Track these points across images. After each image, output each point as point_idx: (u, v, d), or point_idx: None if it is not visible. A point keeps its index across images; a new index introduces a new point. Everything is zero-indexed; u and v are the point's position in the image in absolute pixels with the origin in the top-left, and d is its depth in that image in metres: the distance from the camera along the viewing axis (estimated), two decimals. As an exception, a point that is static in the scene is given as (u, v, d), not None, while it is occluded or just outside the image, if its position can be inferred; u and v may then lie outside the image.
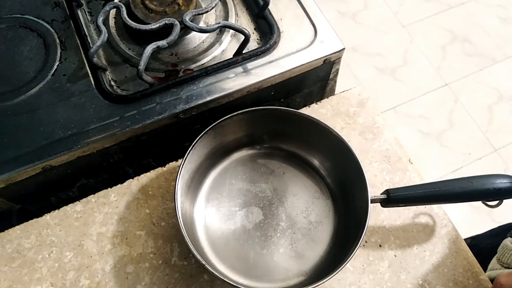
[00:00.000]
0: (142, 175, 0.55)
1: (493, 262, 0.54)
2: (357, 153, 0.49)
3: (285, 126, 0.54)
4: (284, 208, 0.53)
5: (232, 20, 0.61)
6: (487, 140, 1.45)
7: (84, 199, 0.53)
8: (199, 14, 0.55)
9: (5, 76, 0.55)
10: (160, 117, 0.52)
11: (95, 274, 0.49)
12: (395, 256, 0.51)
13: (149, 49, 0.51)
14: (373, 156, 0.58)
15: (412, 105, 1.51)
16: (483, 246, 0.62)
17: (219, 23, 0.54)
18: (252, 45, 0.58)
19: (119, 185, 0.54)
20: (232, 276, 0.49)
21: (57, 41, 0.57)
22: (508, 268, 0.51)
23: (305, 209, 0.53)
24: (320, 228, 0.52)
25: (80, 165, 0.53)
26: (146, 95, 0.53)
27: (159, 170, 0.55)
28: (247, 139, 0.56)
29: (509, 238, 0.54)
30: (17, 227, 0.52)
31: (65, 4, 0.60)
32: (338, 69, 0.62)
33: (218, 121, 0.51)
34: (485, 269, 0.53)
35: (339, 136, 0.50)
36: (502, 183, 0.47)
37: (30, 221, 0.52)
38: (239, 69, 0.56)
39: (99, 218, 0.52)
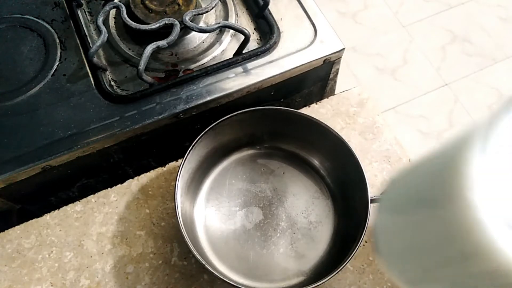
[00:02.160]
0: (142, 175, 0.55)
1: None
2: (357, 153, 0.49)
3: (285, 126, 0.54)
4: (284, 208, 0.53)
5: (232, 20, 0.61)
6: (487, 140, 1.45)
7: (84, 199, 0.53)
8: (199, 14, 0.55)
9: (5, 76, 0.55)
10: (160, 117, 0.52)
11: (95, 274, 0.49)
12: (395, 256, 0.51)
13: (149, 49, 0.51)
14: (373, 156, 0.58)
15: (412, 105, 1.51)
16: None
17: (219, 23, 0.54)
18: (252, 45, 0.58)
19: (119, 185, 0.54)
20: (232, 276, 0.49)
21: (57, 41, 0.57)
22: None
23: (305, 209, 0.53)
24: (320, 228, 0.52)
25: (80, 165, 0.53)
26: (146, 95, 0.53)
27: (159, 170, 0.55)
28: (247, 139, 0.56)
29: None
30: (17, 227, 0.52)
31: (65, 4, 0.60)
32: (338, 69, 0.62)
33: (218, 121, 0.50)
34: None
35: (339, 136, 0.50)
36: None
37: (30, 221, 0.52)
38: (239, 69, 0.55)
39: (99, 218, 0.52)
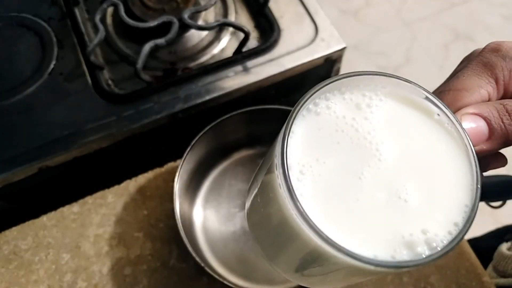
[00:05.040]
0: (139, 176, 0.54)
1: (489, 269, 0.53)
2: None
3: (285, 126, 0.53)
4: (284, 209, 0.53)
5: (231, 18, 0.60)
6: (490, 139, 1.44)
7: (81, 200, 0.53)
8: (198, 12, 0.55)
9: (1, 75, 0.54)
10: (158, 116, 0.51)
11: (93, 276, 0.49)
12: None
13: (147, 47, 0.51)
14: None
15: (414, 104, 1.50)
16: (483, 248, 0.61)
17: (218, 20, 0.53)
18: (252, 43, 0.58)
19: (116, 186, 0.53)
20: (232, 278, 0.49)
21: (54, 39, 0.57)
22: (504, 276, 0.50)
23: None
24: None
25: (77, 166, 0.52)
26: (144, 94, 0.52)
27: (157, 170, 0.54)
28: (247, 139, 0.55)
29: (505, 244, 0.53)
30: (13, 228, 0.51)
31: (62, 2, 0.59)
32: (339, 68, 0.62)
33: (217, 121, 0.50)
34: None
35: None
36: (505, 183, 0.47)
37: (27, 222, 0.51)
38: (239, 67, 0.55)
39: (96, 219, 0.51)
